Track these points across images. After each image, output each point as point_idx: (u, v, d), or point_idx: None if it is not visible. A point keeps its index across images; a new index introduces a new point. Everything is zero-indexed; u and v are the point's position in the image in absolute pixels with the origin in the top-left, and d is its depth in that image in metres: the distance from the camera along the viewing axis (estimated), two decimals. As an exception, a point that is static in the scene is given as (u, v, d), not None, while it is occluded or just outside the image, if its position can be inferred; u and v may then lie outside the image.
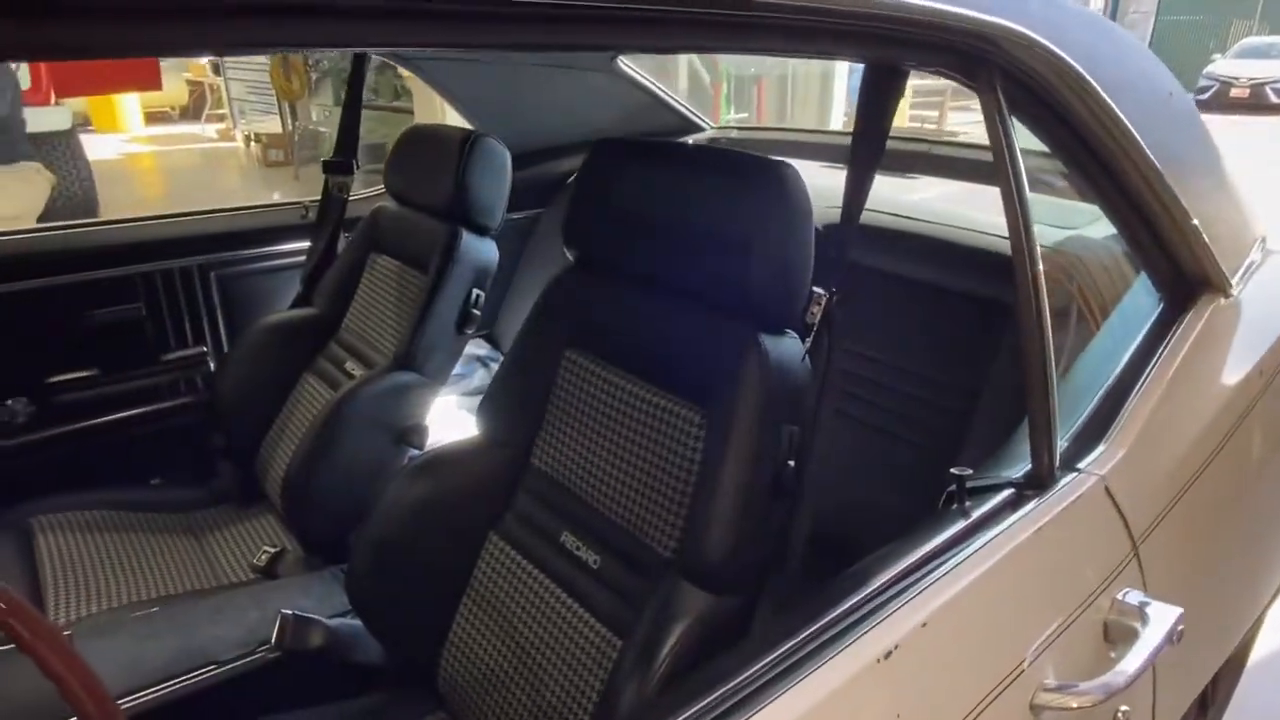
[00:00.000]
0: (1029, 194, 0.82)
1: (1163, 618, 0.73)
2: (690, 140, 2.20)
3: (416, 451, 1.51)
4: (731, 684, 0.54)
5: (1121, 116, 0.87)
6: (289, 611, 1.20)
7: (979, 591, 0.68)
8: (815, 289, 0.84)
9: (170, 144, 9.03)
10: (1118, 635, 0.75)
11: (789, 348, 0.89)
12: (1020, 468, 0.81)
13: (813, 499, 0.88)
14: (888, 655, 0.57)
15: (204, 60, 9.30)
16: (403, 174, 1.69)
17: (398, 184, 1.70)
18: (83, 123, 8.62)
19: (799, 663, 0.56)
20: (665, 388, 1.00)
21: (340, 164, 1.77)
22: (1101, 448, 0.84)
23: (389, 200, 1.76)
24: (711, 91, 6.38)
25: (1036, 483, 0.79)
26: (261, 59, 7.44)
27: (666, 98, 2.13)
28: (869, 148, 0.84)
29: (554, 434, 1.13)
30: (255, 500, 1.69)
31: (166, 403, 1.82)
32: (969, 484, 0.80)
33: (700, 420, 0.95)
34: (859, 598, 0.63)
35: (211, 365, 1.84)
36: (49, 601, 1.31)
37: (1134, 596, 0.77)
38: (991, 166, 0.82)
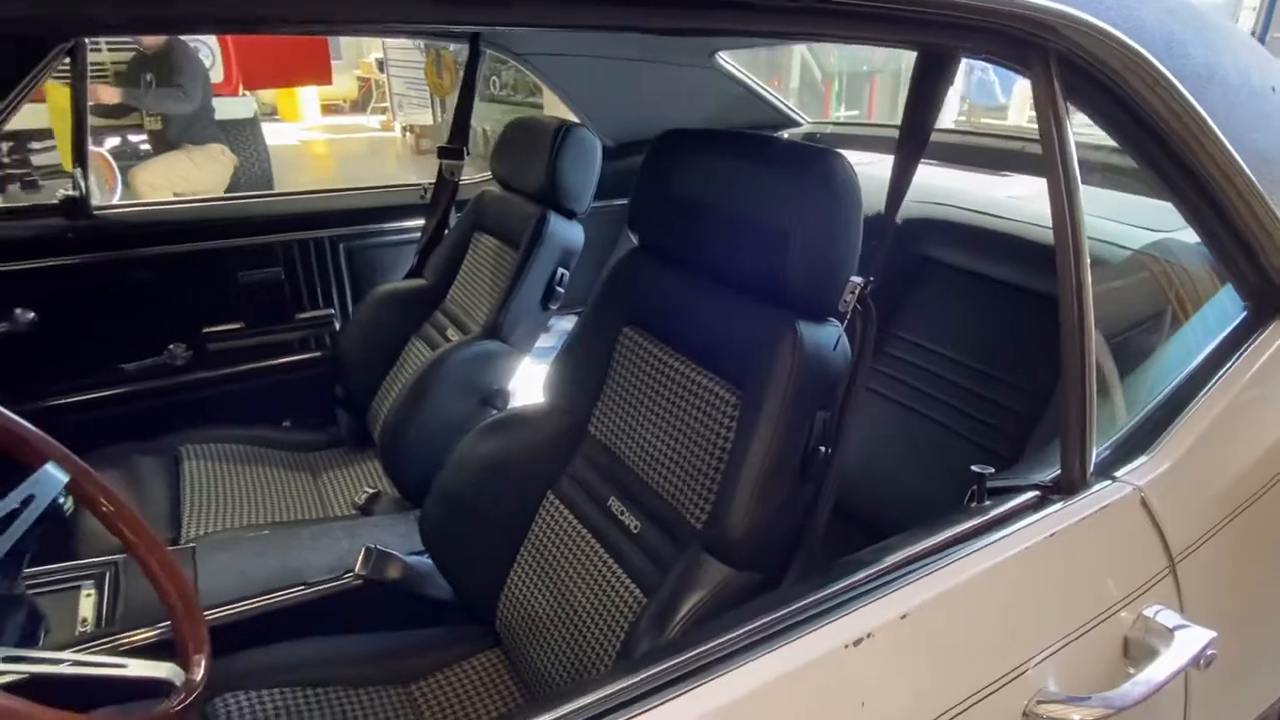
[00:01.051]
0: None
1: (1191, 641, 0.66)
2: (785, 135, 2.14)
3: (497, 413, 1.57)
4: (689, 654, 0.53)
5: (1201, 111, 0.77)
6: (372, 545, 1.28)
7: (979, 589, 0.63)
8: (854, 277, 0.81)
9: (339, 133, 9.69)
10: (1138, 653, 0.68)
11: (827, 335, 0.86)
12: (1051, 471, 0.75)
13: (835, 484, 0.85)
14: (858, 642, 0.55)
15: (372, 58, 9.93)
16: (504, 160, 1.74)
17: (500, 169, 1.76)
18: (271, 112, 9.42)
19: (762, 641, 0.54)
20: (708, 367, 0.99)
21: (453, 150, 1.85)
22: (1144, 458, 0.76)
23: (494, 185, 1.82)
24: (822, 89, 6.16)
25: (1064, 487, 0.72)
26: (420, 58, 7.84)
27: (763, 93, 2.08)
28: (915, 138, 0.79)
29: (610, 405, 1.14)
30: (365, 446, 1.81)
31: (298, 356, 1.97)
32: (995, 484, 0.75)
33: (735, 401, 0.93)
34: (843, 584, 0.60)
35: (337, 325, 1.98)
36: (185, 515, 1.46)
37: (1166, 615, 0.70)
38: (1095, 167, 0.75)
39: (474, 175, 2.06)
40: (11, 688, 0.70)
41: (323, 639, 1.19)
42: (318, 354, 1.99)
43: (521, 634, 1.16)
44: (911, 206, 1.55)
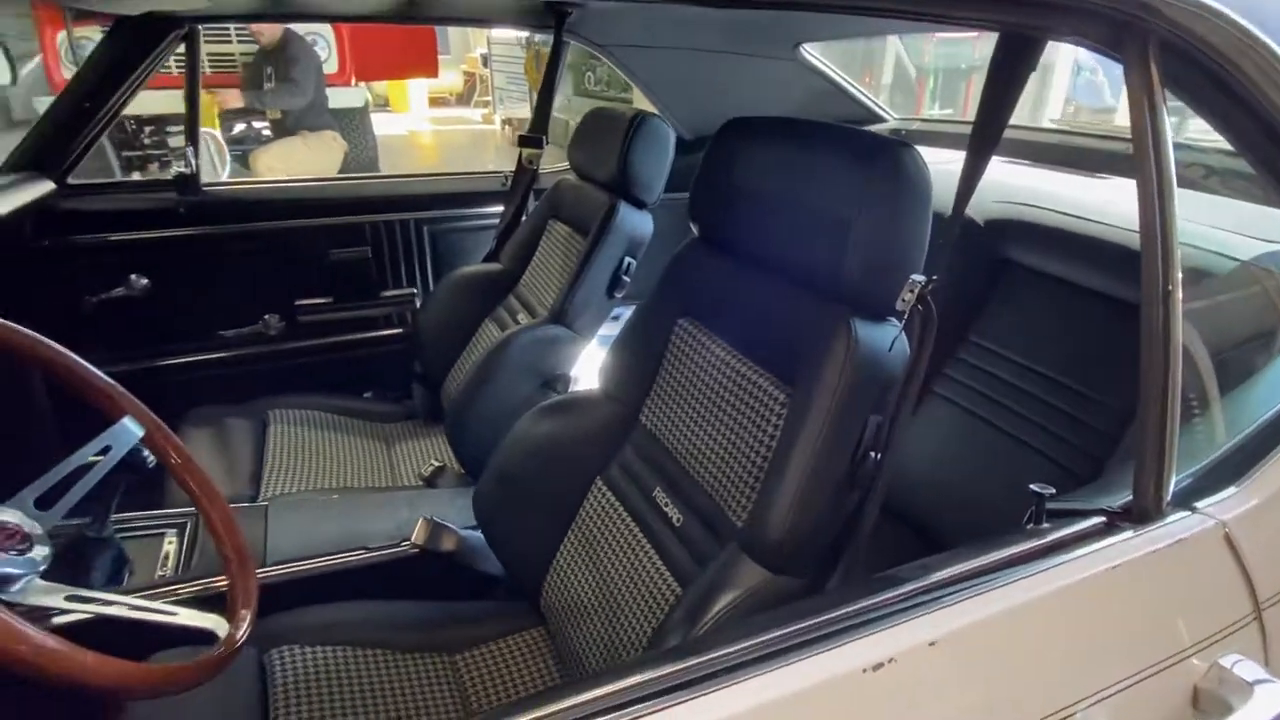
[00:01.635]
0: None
1: (1274, 698, 0.57)
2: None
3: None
4: (695, 660, 0.49)
5: (1329, 106, 0.67)
6: (430, 516, 1.29)
7: (1025, 619, 0.57)
8: (915, 275, 0.74)
9: (444, 124, 9.98)
10: (1210, 705, 0.59)
11: (884, 335, 0.80)
12: (1122, 496, 0.66)
13: (884, 492, 0.79)
14: (878, 667, 0.50)
15: (477, 53, 10.18)
16: (581, 149, 1.73)
17: (576, 157, 1.75)
18: (383, 103, 9.80)
19: (776, 654, 0.50)
20: (759, 362, 0.94)
21: (533, 139, 1.85)
22: (1232, 489, 0.66)
23: (571, 173, 1.81)
24: (915, 86, 5.88)
25: (1136, 515, 0.64)
26: (521, 54, 7.98)
27: (848, 87, 1.99)
28: (989, 131, 0.72)
29: (661, 396, 1.11)
30: (438, 421, 1.84)
31: (381, 331, 2.03)
32: (1057, 505, 0.68)
33: (784, 399, 0.88)
34: (872, 601, 0.55)
35: (418, 303, 2.02)
36: (265, 475, 1.52)
37: (1245, 667, 0.61)
38: (1201, 169, 0.67)
39: (554, 165, 2.06)
40: (78, 627, 0.74)
41: (377, 603, 1.21)
42: (399, 330, 2.04)
43: (563, 616, 1.15)
44: (994, 207, 1.44)
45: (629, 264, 1.57)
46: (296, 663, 1.07)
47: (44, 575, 0.72)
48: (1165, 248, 0.63)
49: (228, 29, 4.80)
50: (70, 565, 0.89)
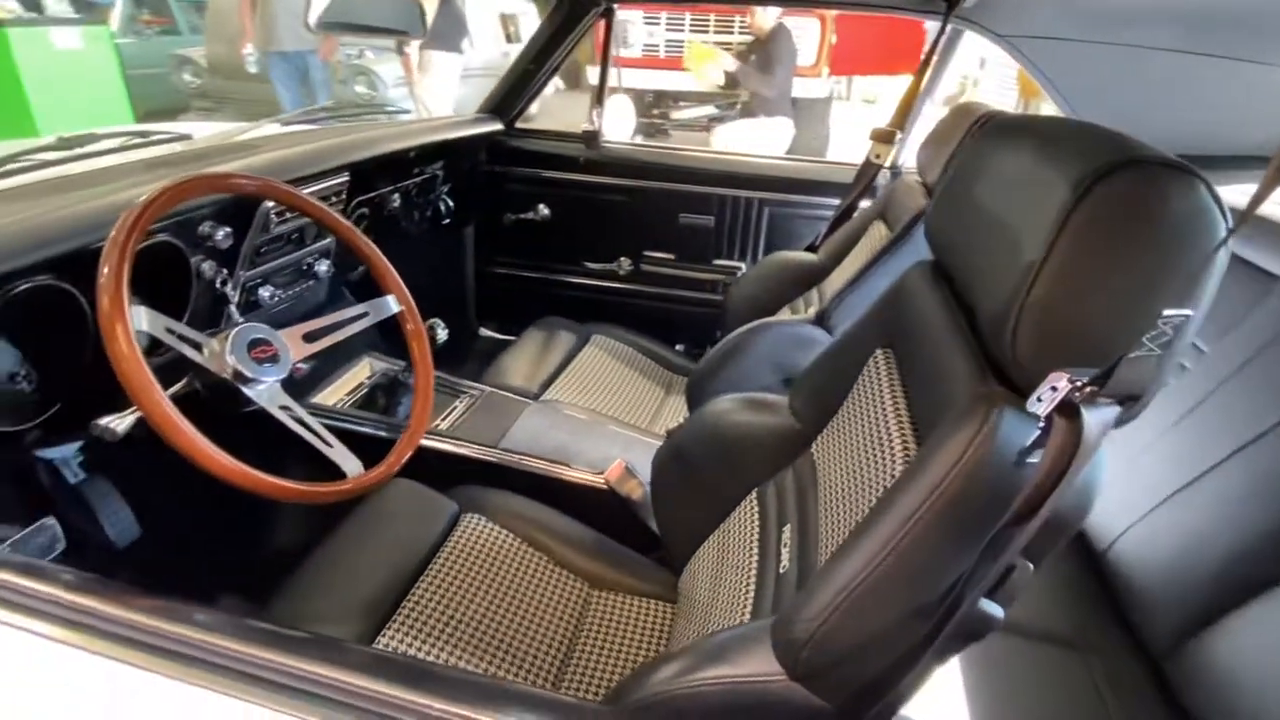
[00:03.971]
0: None
1: None
2: None
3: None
4: None
5: None
6: (627, 462, 1.30)
7: None
8: (1072, 370, 0.44)
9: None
10: None
11: (1027, 432, 0.50)
12: None
13: (960, 640, 0.51)
14: None
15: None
16: (926, 147, 1.44)
17: (920, 156, 1.47)
18: (873, 100, 9.58)
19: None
20: (911, 416, 0.69)
21: (886, 133, 1.61)
22: None
23: (913, 175, 1.54)
24: None
25: None
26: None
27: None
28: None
29: (835, 429, 0.90)
30: (717, 386, 1.82)
31: (705, 294, 2.06)
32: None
33: (898, 468, 0.63)
34: None
35: (739, 275, 1.99)
36: (556, 381, 1.68)
37: None
38: None
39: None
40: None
41: (567, 517, 1.26)
42: (719, 298, 2.04)
43: (682, 605, 1.06)
44: None
45: (918, 280, 1.28)
46: (477, 531, 1.19)
47: (283, 385, 0.92)
48: None
49: (731, 21, 5.21)
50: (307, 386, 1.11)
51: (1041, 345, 0.49)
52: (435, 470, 1.29)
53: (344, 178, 1.38)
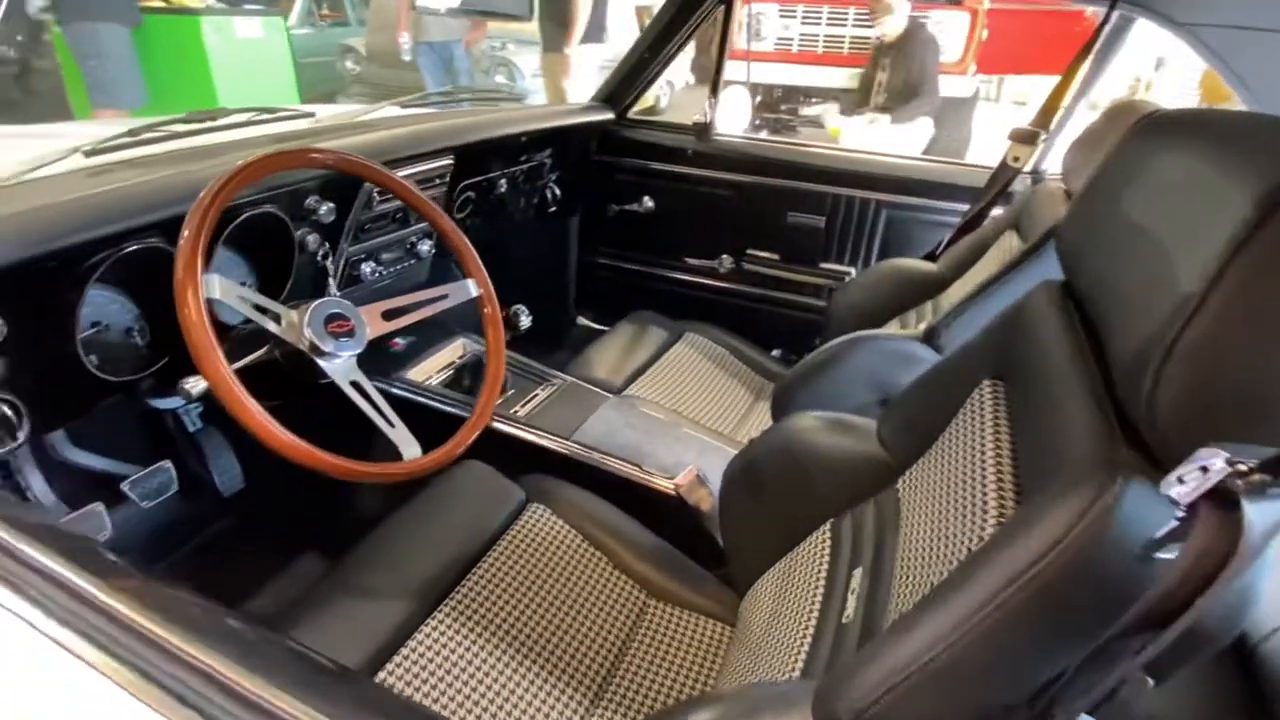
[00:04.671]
0: None
1: None
2: None
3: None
4: None
5: None
6: (699, 468, 1.22)
7: None
8: (1232, 445, 0.32)
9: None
10: None
11: (1158, 517, 0.38)
12: None
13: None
14: None
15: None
16: (1077, 150, 1.24)
17: (1067, 159, 1.27)
18: (1024, 102, 8.77)
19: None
20: (1014, 466, 0.57)
21: (1028, 133, 1.41)
22: None
23: (1057, 182, 1.34)
24: None
25: None
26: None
27: None
28: None
29: (926, 466, 0.78)
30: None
31: (807, 298, 1.93)
32: None
33: (989, 528, 0.52)
34: None
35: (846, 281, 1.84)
36: (641, 376, 1.63)
37: None
38: None
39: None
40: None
41: (631, 518, 1.21)
42: (823, 304, 1.90)
43: (739, 633, 0.98)
44: None
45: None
46: (542, 522, 1.16)
47: (375, 356, 0.92)
48: None
49: (845, 13, 4.91)
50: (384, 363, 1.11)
51: (1191, 405, 0.37)
52: (508, 455, 1.27)
53: (447, 160, 1.38)
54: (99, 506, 1.21)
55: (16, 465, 1.18)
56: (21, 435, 0.86)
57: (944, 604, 0.47)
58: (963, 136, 5.03)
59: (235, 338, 0.96)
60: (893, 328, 1.52)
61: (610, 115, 1.92)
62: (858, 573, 0.77)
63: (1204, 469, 0.33)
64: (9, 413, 0.83)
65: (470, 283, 1.05)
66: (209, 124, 1.14)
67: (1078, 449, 0.45)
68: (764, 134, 5.42)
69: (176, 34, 4.08)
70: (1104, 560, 0.38)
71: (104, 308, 0.95)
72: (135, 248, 0.87)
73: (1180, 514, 0.35)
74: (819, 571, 0.85)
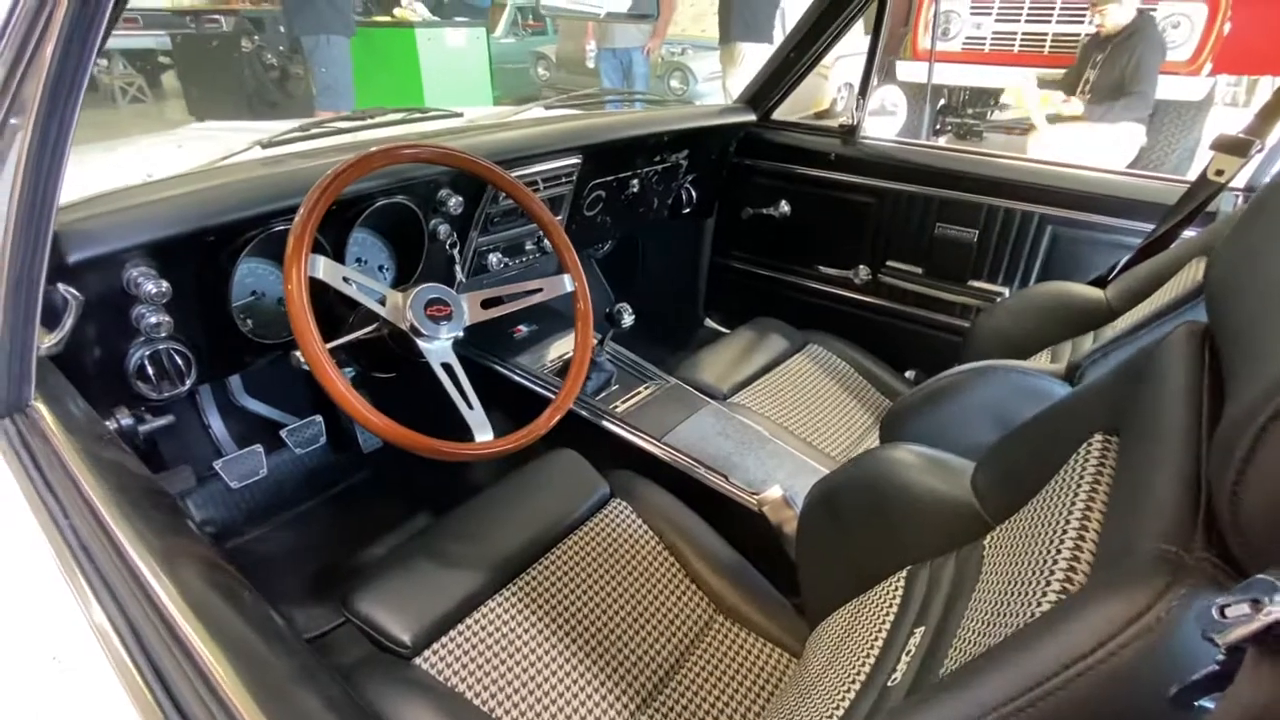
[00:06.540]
0: None
1: None
2: None
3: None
4: None
5: None
6: (787, 489, 1.14)
7: None
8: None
9: None
10: None
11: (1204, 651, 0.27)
12: None
13: None
14: None
15: None
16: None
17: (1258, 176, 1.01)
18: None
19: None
20: (1099, 535, 0.46)
21: (1236, 143, 1.14)
22: None
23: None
24: None
25: None
26: None
27: None
28: None
29: (1018, 526, 0.66)
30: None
31: (948, 318, 1.73)
32: None
33: (1046, 602, 0.42)
34: None
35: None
36: (749, 385, 1.55)
37: None
38: None
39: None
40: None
41: (704, 523, 1.15)
42: (965, 324, 1.69)
43: (800, 667, 0.90)
44: None
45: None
46: (622, 519, 1.15)
47: (471, 343, 0.97)
48: None
49: (1050, 7, 4.30)
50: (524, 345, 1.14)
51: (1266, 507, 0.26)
52: (602, 448, 1.27)
53: (574, 160, 1.41)
54: (259, 448, 1.39)
55: (201, 404, 1.39)
56: (189, 380, 1.00)
57: (964, 687, 0.39)
58: (1185, 147, 4.26)
59: (360, 315, 1.05)
60: (1042, 360, 1.31)
61: (752, 117, 1.85)
62: (920, 631, 0.67)
63: (1256, 601, 0.22)
64: (179, 362, 0.97)
65: (566, 277, 1.06)
66: (368, 121, 1.25)
67: (1149, 534, 0.34)
68: (944, 140, 4.98)
69: (396, 44, 4.61)
70: (1132, 695, 0.28)
71: (264, 278, 1.09)
72: (282, 228, 0.98)
73: (1219, 659, 0.25)
74: (883, 623, 0.75)
